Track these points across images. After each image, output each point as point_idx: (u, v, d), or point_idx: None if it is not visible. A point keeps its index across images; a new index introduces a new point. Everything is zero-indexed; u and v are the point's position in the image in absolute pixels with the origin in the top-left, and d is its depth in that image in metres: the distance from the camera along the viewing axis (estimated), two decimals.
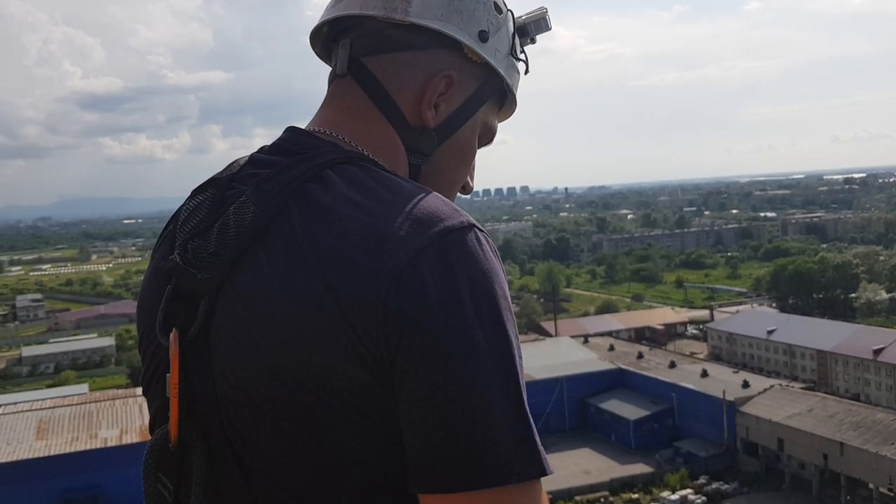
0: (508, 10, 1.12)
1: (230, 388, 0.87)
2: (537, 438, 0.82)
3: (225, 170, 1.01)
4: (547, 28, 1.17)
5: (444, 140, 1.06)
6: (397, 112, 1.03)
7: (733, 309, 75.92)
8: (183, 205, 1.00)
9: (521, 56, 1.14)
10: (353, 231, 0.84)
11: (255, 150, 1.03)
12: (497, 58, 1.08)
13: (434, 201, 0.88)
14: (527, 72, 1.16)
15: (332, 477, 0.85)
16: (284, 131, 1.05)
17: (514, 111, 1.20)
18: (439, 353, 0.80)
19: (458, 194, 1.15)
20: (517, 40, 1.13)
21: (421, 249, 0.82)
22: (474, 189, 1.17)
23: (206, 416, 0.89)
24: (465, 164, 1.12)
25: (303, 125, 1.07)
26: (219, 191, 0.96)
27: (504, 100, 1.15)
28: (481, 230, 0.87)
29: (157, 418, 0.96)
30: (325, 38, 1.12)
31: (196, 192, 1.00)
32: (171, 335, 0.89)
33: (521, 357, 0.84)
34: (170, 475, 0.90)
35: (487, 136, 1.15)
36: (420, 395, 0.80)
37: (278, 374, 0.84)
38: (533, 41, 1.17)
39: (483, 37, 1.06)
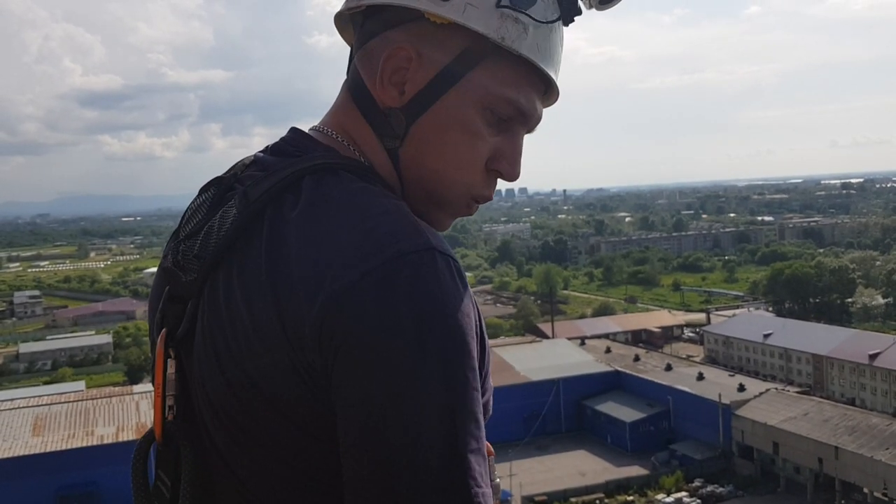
0: None
1: (207, 386, 0.89)
2: (472, 482, 0.75)
3: (230, 169, 1.01)
4: None
5: (417, 116, 0.95)
6: (368, 99, 0.98)
7: (730, 312, 75.96)
8: (190, 203, 1.01)
9: (520, 7, 0.94)
10: (306, 251, 0.83)
11: (256, 148, 1.03)
12: (470, 14, 0.92)
13: (394, 221, 0.83)
14: (552, 19, 0.97)
15: (286, 487, 0.85)
16: (287, 132, 1.04)
17: (554, 79, 1.00)
18: (370, 386, 0.76)
19: (502, 182, 1.02)
20: None
21: (364, 274, 0.78)
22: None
23: (197, 415, 0.91)
24: (464, 143, 0.96)
25: (302, 124, 1.07)
26: (219, 191, 0.97)
27: (521, 67, 0.96)
28: (444, 253, 0.82)
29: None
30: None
31: (202, 190, 1.01)
32: (160, 335, 0.91)
33: (477, 390, 0.78)
34: (167, 472, 0.91)
35: (506, 110, 0.97)
36: (350, 427, 0.77)
37: (231, 381, 0.85)
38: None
39: None
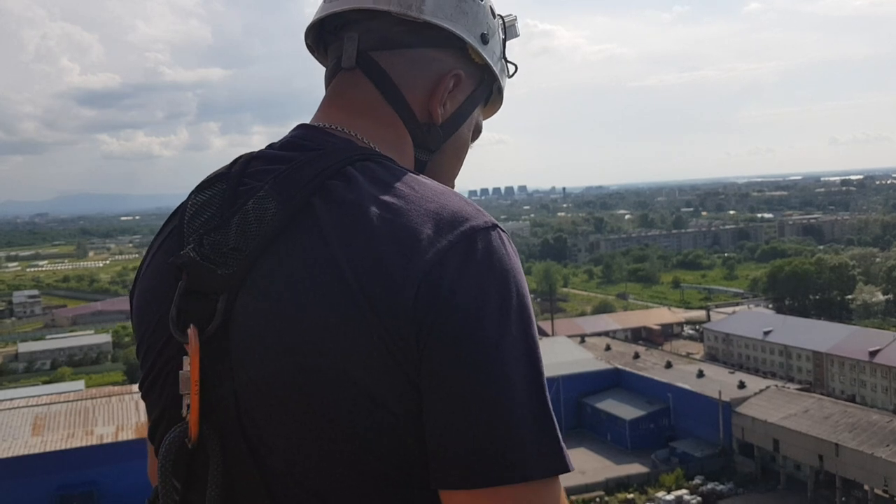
0: (499, 14, 1.17)
1: (251, 385, 0.85)
2: (560, 435, 0.84)
3: (230, 165, 0.99)
4: (516, 35, 1.21)
5: (449, 136, 1.09)
6: (406, 107, 1.04)
7: (730, 310, 75.98)
8: (188, 200, 0.97)
9: (509, 60, 1.20)
10: (382, 230, 0.84)
11: (255, 147, 1.04)
12: (493, 59, 1.13)
13: (458, 200, 0.89)
14: (513, 74, 1.21)
15: (354, 474, 0.84)
16: (295, 128, 1.04)
17: (496, 110, 1.26)
18: (465, 351, 0.81)
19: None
20: (506, 44, 1.18)
21: (448, 249, 0.83)
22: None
23: (222, 416, 0.86)
24: (461, 160, 1.16)
25: (304, 121, 1.06)
26: (230, 186, 0.94)
27: (489, 99, 1.19)
28: (503, 230, 0.89)
29: (163, 419, 0.93)
30: (319, 31, 1.11)
31: (202, 187, 0.98)
32: (191, 331, 0.85)
33: (541, 355, 0.86)
34: (178, 476, 0.88)
35: (476, 134, 1.19)
36: (445, 393, 0.81)
37: (306, 372, 0.82)
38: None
39: (484, 39, 1.10)
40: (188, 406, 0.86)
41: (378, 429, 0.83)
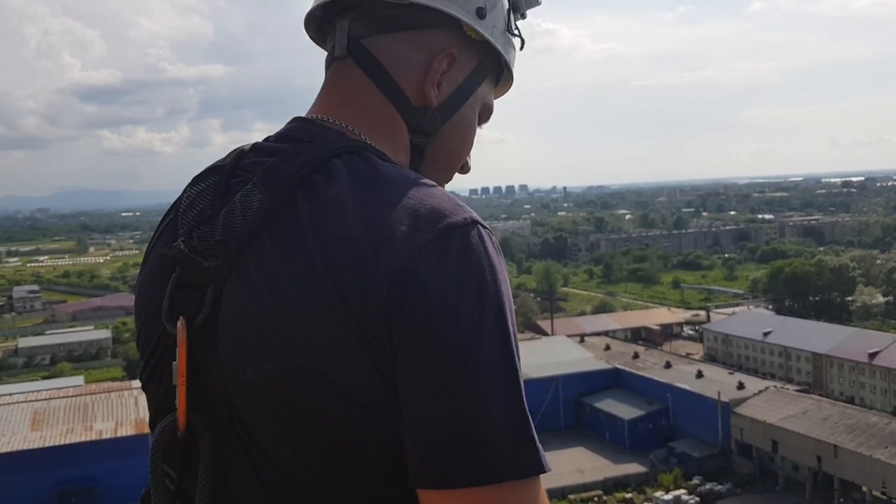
0: None
1: (236, 377, 0.86)
2: (535, 436, 0.83)
3: (227, 157, 1.00)
4: (537, 3, 1.16)
5: (447, 119, 1.06)
6: (399, 92, 1.02)
7: (729, 310, 75.94)
8: (184, 192, 0.98)
9: (517, 32, 1.13)
10: (357, 227, 0.84)
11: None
12: (494, 34, 1.07)
13: (437, 196, 0.88)
14: (522, 47, 1.15)
15: (336, 468, 0.85)
16: (290, 121, 1.04)
17: (510, 87, 1.20)
18: (439, 348, 0.80)
19: (457, 174, 1.15)
20: (512, 16, 1.12)
21: (423, 246, 0.82)
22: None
23: (213, 405, 0.88)
24: (467, 142, 1.11)
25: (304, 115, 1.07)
26: (222, 178, 0.95)
27: (500, 76, 1.15)
28: (484, 227, 0.88)
29: (160, 410, 0.94)
30: (320, 21, 1.10)
31: (197, 179, 0.98)
32: (179, 322, 0.88)
33: (519, 356, 0.85)
34: (174, 465, 0.90)
35: (486, 114, 1.14)
36: (419, 390, 0.80)
37: (284, 366, 0.83)
38: (524, 16, 1.15)
39: (481, 14, 1.05)
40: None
41: (349, 423, 0.83)
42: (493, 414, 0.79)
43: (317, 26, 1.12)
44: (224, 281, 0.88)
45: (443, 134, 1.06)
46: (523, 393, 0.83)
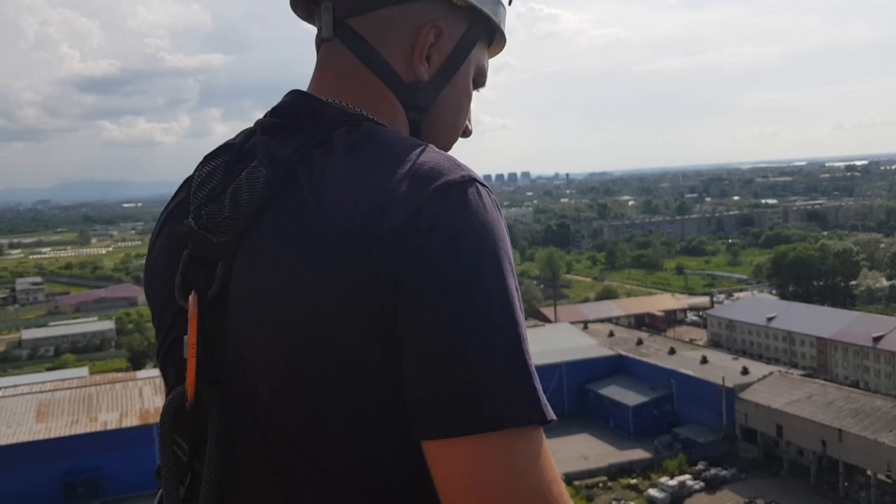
0: None
1: (247, 348, 0.88)
2: (538, 385, 0.83)
3: (238, 135, 1.03)
4: None
5: (441, 91, 1.05)
6: (389, 70, 1.02)
7: (734, 296, 75.85)
8: (195, 171, 1.01)
9: None
10: (358, 192, 0.86)
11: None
12: None
13: (434, 157, 0.89)
14: (510, 2, 1.15)
15: (344, 435, 0.86)
16: (288, 94, 1.04)
17: (503, 47, 1.19)
18: (439, 302, 0.81)
19: (460, 139, 1.15)
20: None
21: (421, 206, 0.84)
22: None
23: (224, 377, 0.90)
24: (464, 109, 1.11)
25: None
26: (232, 156, 0.98)
27: (492, 37, 1.14)
28: (483, 184, 0.89)
29: (177, 385, 0.95)
30: (306, 1, 1.11)
31: (208, 157, 1.01)
32: (190, 297, 0.90)
33: (522, 309, 0.86)
34: (185, 436, 0.91)
35: (481, 78, 1.14)
36: (420, 345, 0.82)
37: (293, 335, 0.85)
38: None
39: None
40: None
41: (362, 389, 0.85)
42: (494, 362, 0.81)
43: (303, 6, 1.12)
44: (233, 256, 0.90)
45: (438, 106, 1.06)
46: (525, 344, 0.84)
